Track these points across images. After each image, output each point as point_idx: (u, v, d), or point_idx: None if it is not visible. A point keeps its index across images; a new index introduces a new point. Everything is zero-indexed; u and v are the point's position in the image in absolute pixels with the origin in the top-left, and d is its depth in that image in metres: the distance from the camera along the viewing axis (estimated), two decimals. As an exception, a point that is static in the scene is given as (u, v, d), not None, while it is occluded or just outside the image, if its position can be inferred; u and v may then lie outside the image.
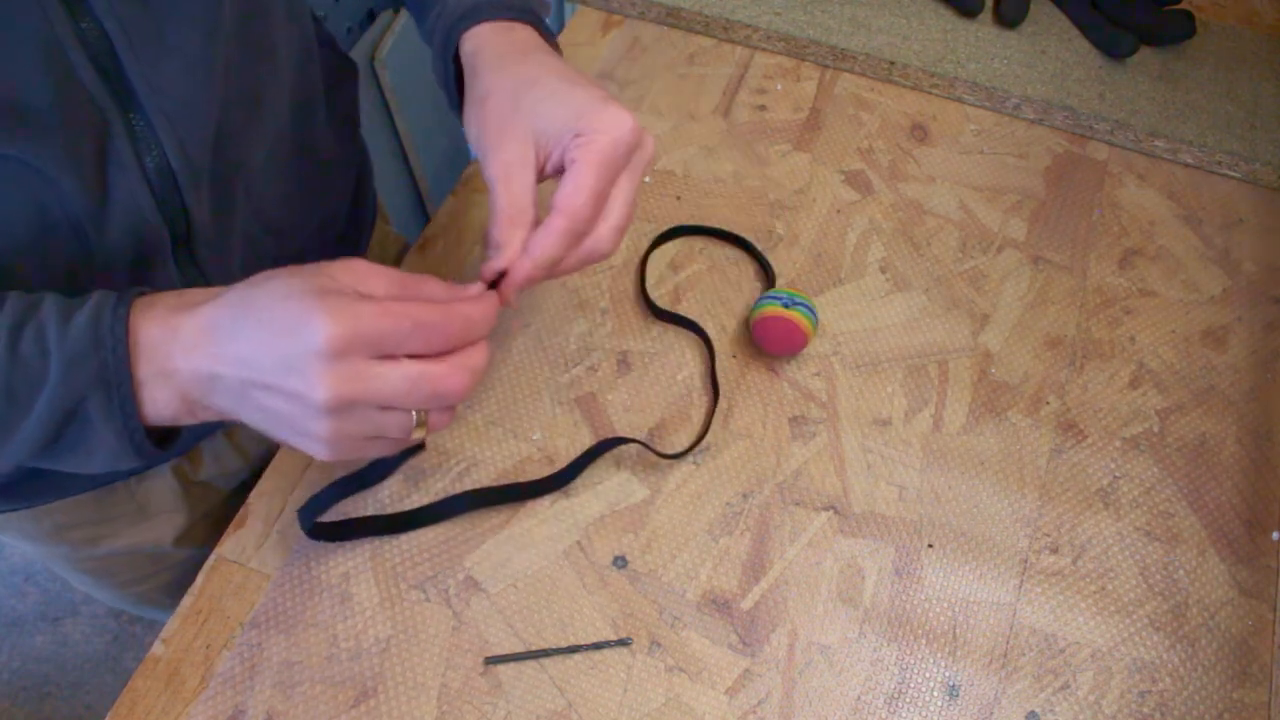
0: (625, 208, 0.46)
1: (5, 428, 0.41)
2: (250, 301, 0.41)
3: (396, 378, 0.41)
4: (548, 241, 0.45)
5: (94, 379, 0.40)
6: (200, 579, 0.54)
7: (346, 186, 0.73)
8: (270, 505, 0.57)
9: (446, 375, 0.42)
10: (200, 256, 0.53)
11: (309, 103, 0.62)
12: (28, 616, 1.38)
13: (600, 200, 0.46)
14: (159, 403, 0.42)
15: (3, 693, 1.31)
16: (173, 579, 0.77)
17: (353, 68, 0.71)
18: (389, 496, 0.57)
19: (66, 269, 0.48)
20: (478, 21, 0.50)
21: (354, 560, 0.55)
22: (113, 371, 0.40)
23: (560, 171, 0.46)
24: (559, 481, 0.57)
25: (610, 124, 0.45)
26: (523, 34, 0.50)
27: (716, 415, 0.60)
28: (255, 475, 0.79)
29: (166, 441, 0.45)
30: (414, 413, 0.43)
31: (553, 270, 0.46)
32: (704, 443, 0.59)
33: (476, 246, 0.68)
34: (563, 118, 0.45)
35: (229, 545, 0.55)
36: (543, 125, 0.46)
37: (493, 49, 0.49)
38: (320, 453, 0.43)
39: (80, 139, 0.44)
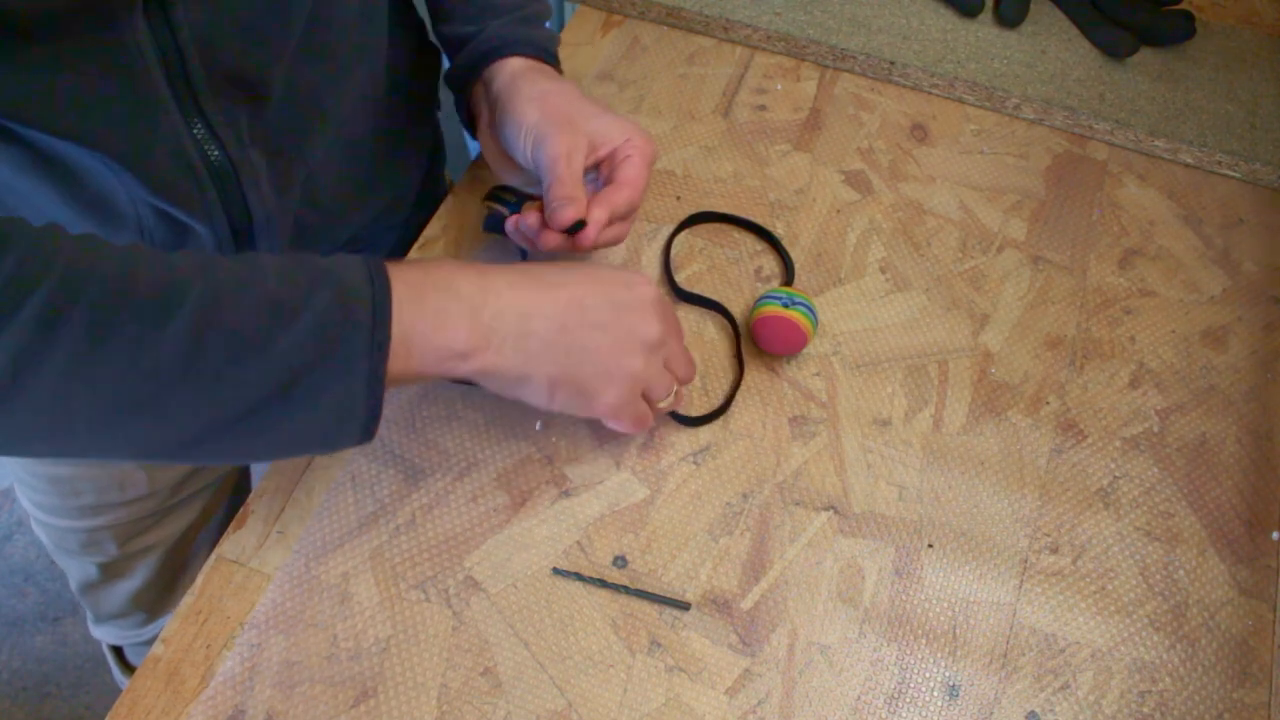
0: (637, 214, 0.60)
1: (250, 356, 0.40)
2: (559, 268, 0.51)
3: (681, 343, 0.55)
4: (618, 197, 0.55)
5: (360, 311, 0.41)
6: (200, 579, 0.54)
7: (415, 174, 0.74)
8: (270, 505, 0.57)
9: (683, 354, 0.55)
10: (258, 238, 0.58)
11: (378, 98, 0.65)
12: (28, 616, 1.38)
13: (644, 189, 0.57)
14: (454, 331, 0.45)
15: (3, 693, 1.31)
16: (129, 518, 0.76)
17: (435, 52, 0.73)
18: (389, 495, 0.57)
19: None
20: (515, 54, 0.61)
21: (354, 560, 0.55)
22: (380, 306, 0.42)
23: (591, 168, 0.58)
24: None
25: (652, 144, 0.58)
26: (550, 69, 0.62)
27: (718, 416, 0.60)
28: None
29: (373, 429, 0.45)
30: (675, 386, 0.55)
31: (597, 237, 0.55)
32: (704, 442, 0.59)
33: (477, 248, 0.68)
34: (617, 129, 0.57)
35: (229, 545, 0.55)
36: (597, 130, 0.57)
37: (534, 70, 0.60)
38: (610, 397, 0.50)
39: (146, 136, 0.49)
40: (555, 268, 0.51)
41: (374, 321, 0.42)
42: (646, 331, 0.51)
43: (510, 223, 0.58)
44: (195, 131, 0.50)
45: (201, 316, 0.39)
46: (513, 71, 0.60)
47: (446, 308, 0.45)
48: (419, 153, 0.76)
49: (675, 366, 0.54)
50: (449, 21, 0.64)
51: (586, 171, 0.57)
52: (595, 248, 0.56)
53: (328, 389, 0.41)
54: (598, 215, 0.54)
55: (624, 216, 0.57)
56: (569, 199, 0.54)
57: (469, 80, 0.62)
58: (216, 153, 0.52)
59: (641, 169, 0.57)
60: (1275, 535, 0.59)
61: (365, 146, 0.65)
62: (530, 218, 0.56)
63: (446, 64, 0.65)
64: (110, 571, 0.81)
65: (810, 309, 0.61)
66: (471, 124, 0.65)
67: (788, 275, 0.67)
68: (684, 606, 0.54)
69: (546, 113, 0.56)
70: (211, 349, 0.39)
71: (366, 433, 0.43)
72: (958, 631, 0.54)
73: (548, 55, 0.62)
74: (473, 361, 0.46)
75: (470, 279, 0.47)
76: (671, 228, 0.68)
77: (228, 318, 0.39)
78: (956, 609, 0.55)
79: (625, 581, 0.55)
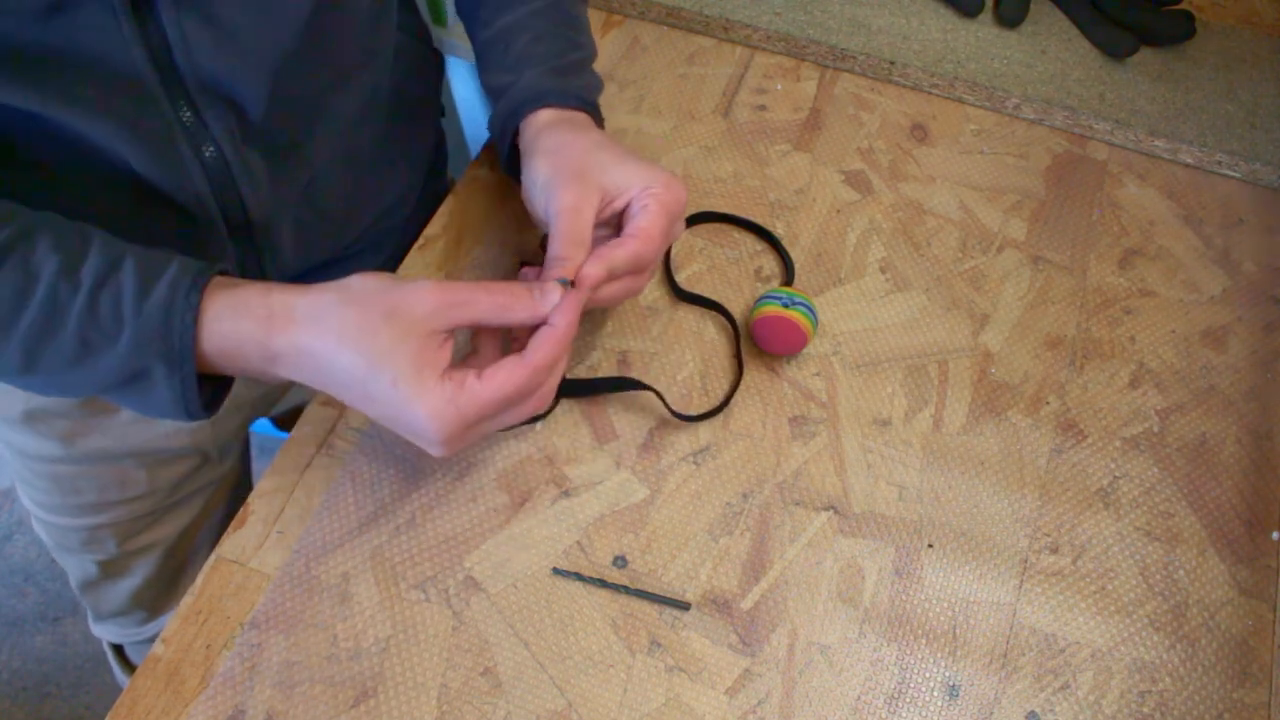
0: (657, 263, 0.55)
1: (77, 368, 0.46)
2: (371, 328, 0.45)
3: (495, 425, 0.49)
4: (619, 253, 0.51)
5: (160, 355, 0.45)
6: (200, 579, 0.54)
7: (417, 177, 0.74)
8: (270, 505, 0.57)
9: (531, 405, 0.49)
10: (257, 236, 0.59)
11: (380, 104, 0.64)
12: (28, 616, 1.38)
13: (662, 240, 0.53)
14: (248, 361, 0.47)
15: (3, 693, 1.31)
16: (129, 517, 0.76)
17: (438, 58, 0.73)
18: (390, 495, 0.57)
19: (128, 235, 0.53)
20: (545, 105, 0.58)
21: (354, 560, 0.55)
22: (178, 354, 0.45)
23: (612, 220, 0.55)
24: (581, 389, 0.60)
25: (675, 190, 0.54)
26: (584, 118, 0.59)
27: (717, 414, 0.60)
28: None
29: (214, 406, 0.49)
30: None
31: (597, 295, 0.52)
32: (704, 442, 0.59)
33: (477, 247, 0.68)
34: (638, 178, 0.53)
35: (229, 545, 0.55)
36: (612, 181, 0.53)
37: (564, 121, 0.57)
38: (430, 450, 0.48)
39: (142, 129, 0.50)
40: (371, 322, 0.45)
41: (175, 361, 0.46)
42: (431, 450, 0.47)
43: (520, 275, 0.54)
44: (188, 127, 0.51)
45: (30, 333, 0.44)
46: (540, 124, 0.57)
47: (241, 335, 0.46)
48: (421, 156, 0.76)
49: (502, 430, 0.50)
50: (491, 71, 0.62)
51: (602, 225, 0.54)
52: (596, 306, 0.52)
53: (145, 404, 0.47)
54: (590, 273, 0.50)
55: (633, 271, 0.53)
56: (561, 259, 0.50)
57: (508, 133, 0.60)
58: (211, 149, 0.53)
59: (656, 219, 0.52)
60: (1275, 535, 0.59)
61: (367, 152, 0.65)
62: (530, 276, 0.53)
63: (487, 110, 0.63)
64: (110, 569, 0.81)
65: (810, 309, 0.61)
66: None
67: (788, 275, 0.67)
68: (684, 606, 0.54)
69: (558, 167, 0.53)
70: (45, 360, 0.45)
71: (209, 415, 0.48)
72: (958, 631, 0.54)
73: (583, 103, 0.59)
74: (278, 368, 0.47)
75: (261, 310, 0.46)
76: (697, 213, 0.68)
77: (50, 344, 0.45)
78: (956, 609, 0.55)
79: (625, 581, 0.55)
